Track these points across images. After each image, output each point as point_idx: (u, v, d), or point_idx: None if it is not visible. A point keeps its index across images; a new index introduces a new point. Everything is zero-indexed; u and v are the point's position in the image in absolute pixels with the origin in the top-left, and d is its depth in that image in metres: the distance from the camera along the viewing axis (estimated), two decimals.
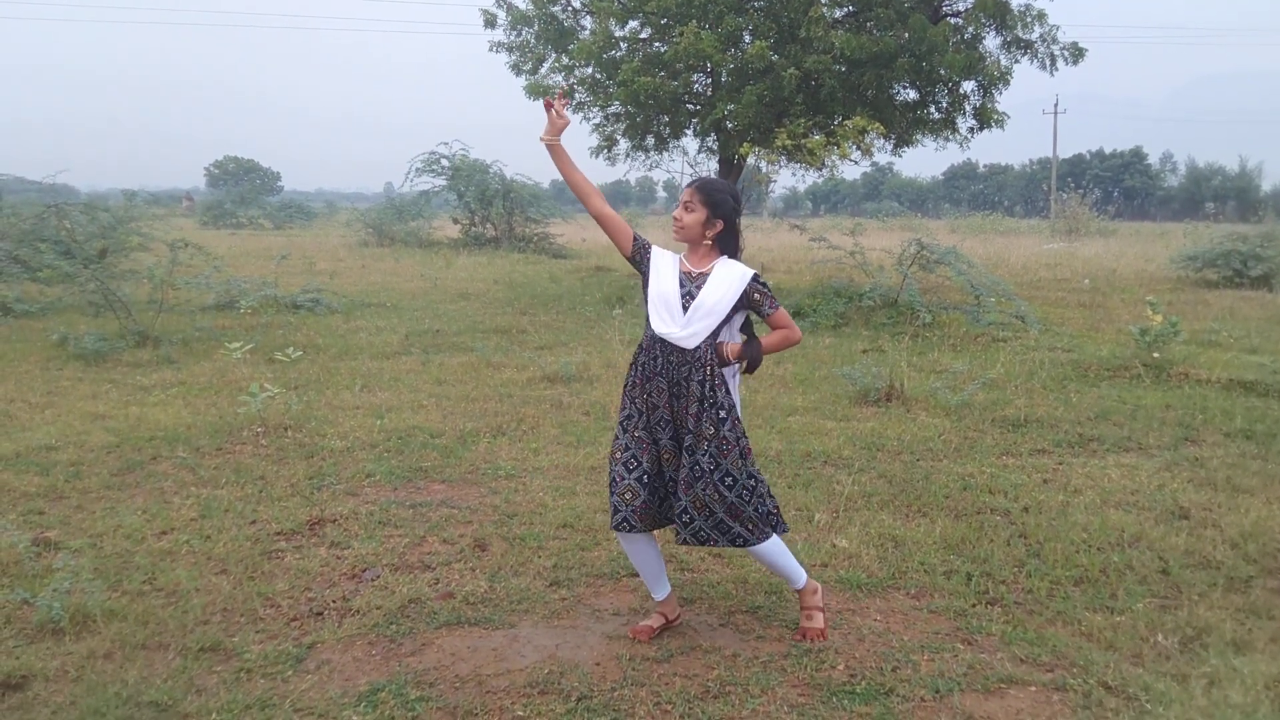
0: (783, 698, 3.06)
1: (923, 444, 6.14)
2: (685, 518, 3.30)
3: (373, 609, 3.69)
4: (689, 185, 3.42)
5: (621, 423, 3.41)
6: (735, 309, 3.35)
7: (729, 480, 3.30)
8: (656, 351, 3.36)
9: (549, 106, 3.42)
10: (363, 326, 11.36)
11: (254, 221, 41.20)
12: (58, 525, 4.55)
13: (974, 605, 3.77)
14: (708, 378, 3.31)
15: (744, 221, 18.07)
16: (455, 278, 17.79)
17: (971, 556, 4.24)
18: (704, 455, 3.28)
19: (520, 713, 2.96)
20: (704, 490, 3.28)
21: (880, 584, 3.97)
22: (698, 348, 3.31)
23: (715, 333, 3.34)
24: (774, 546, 3.42)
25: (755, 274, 3.39)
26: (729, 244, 3.41)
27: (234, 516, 4.70)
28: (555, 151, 3.46)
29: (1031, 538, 4.46)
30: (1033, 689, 3.13)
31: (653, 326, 3.35)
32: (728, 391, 3.36)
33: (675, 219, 3.41)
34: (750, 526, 3.34)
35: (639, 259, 3.45)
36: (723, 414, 3.31)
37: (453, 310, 13.05)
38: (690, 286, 3.35)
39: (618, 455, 3.39)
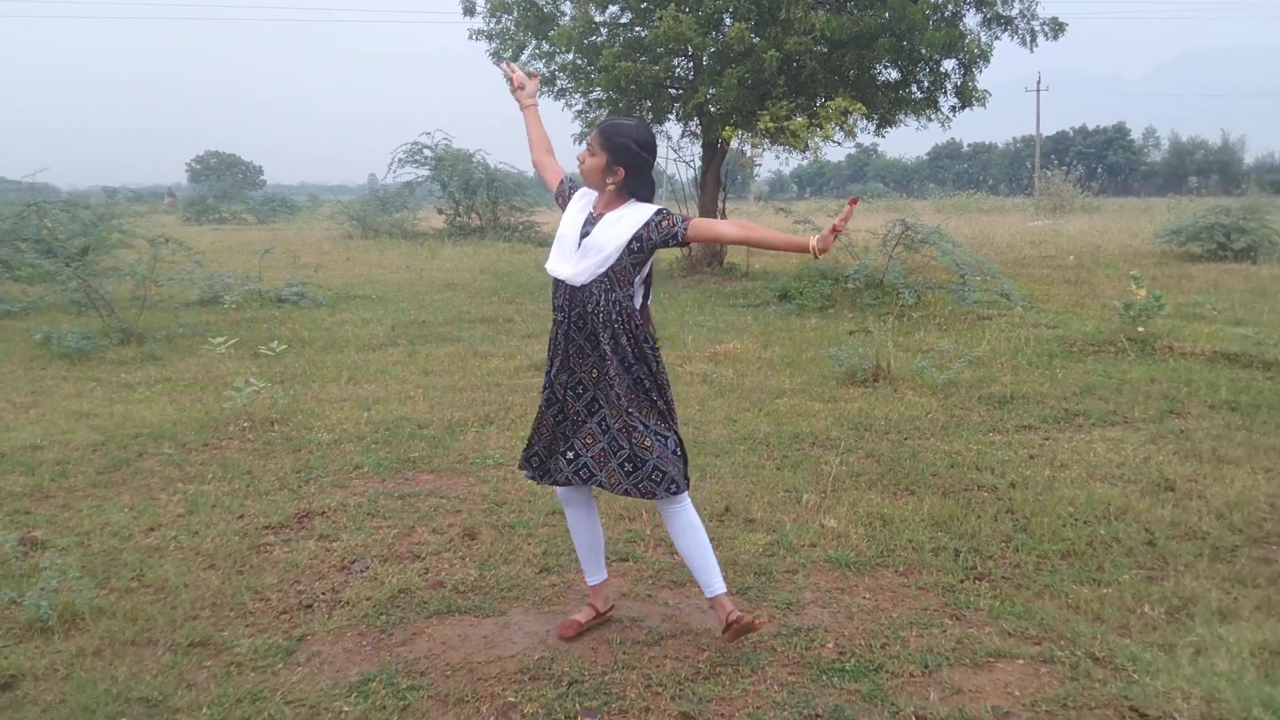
0: (773, 677, 3.08)
1: (910, 423, 6.16)
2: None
3: (362, 600, 3.68)
4: (596, 126, 3.25)
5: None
6: (635, 251, 3.06)
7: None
8: (561, 299, 3.16)
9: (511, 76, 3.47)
10: (348, 319, 11.32)
11: (237, 216, 40.88)
12: (44, 524, 4.53)
13: (962, 581, 3.79)
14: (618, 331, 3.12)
15: (730, 205, 17.99)
16: (440, 268, 17.73)
17: (959, 533, 4.26)
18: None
19: (511, 699, 2.97)
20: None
21: (869, 562, 3.99)
22: (601, 301, 3.08)
23: (613, 282, 3.06)
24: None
25: (659, 209, 3.11)
26: (639, 189, 3.14)
27: (221, 511, 4.69)
28: (531, 113, 3.48)
29: (1018, 513, 4.49)
30: (1021, 662, 3.16)
31: (547, 264, 3.20)
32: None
33: (579, 160, 3.18)
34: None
35: (561, 201, 3.32)
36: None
37: (439, 301, 13.01)
38: (589, 227, 3.14)
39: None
